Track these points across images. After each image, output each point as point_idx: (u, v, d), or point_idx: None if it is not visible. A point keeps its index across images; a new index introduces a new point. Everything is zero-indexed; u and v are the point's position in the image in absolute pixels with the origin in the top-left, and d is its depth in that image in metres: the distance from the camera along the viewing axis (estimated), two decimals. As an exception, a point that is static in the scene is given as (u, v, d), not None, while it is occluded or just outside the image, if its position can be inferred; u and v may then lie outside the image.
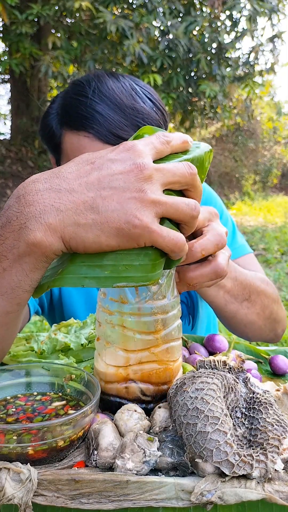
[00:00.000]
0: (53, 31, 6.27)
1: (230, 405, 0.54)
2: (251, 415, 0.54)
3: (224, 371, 0.57)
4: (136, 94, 0.99)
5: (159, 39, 5.81)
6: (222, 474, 0.49)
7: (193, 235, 0.65)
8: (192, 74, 6.30)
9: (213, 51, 6.14)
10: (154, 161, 0.54)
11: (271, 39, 6.56)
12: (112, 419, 0.57)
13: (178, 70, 5.90)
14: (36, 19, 5.67)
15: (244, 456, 0.48)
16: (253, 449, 0.51)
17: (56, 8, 5.52)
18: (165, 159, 0.57)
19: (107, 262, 0.52)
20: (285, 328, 1.08)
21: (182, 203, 0.53)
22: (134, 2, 5.79)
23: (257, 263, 1.20)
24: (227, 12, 5.91)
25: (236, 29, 6.13)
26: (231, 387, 0.55)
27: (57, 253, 0.51)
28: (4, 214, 0.53)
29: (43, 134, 1.06)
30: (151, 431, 0.56)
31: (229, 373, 0.58)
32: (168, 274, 0.60)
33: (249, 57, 6.58)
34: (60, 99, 1.04)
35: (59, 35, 5.79)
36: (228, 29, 6.13)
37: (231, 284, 0.88)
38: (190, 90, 6.39)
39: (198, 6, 6.29)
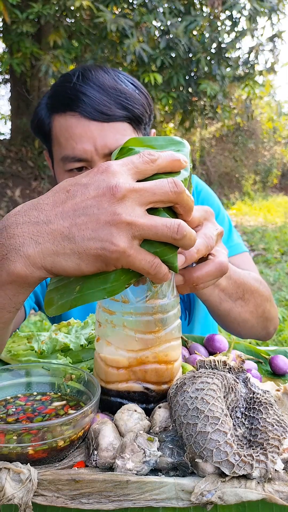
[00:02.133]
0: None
1: (230, 405, 0.54)
2: (251, 415, 0.54)
3: (224, 371, 0.57)
4: (119, 79, 1.05)
5: (159, 38, 5.81)
6: (222, 474, 0.49)
7: None
8: (192, 74, 6.30)
9: (213, 50, 6.13)
10: (139, 181, 0.53)
11: (271, 39, 6.56)
12: (112, 419, 0.57)
13: (178, 69, 5.89)
14: (36, 19, 5.67)
15: (244, 456, 0.48)
16: (253, 449, 0.51)
17: (57, 7, 5.51)
18: (155, 177, 0.53)
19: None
20: (277, 326, 1.09)
21: (162, 225, 0.51)
22: (134, 1, 5.79)
23: (251, 262, 1.20)
24: (227, 12, 5.90)
25: (236, 29, 6.12)
26: (231, 387, 0.55)
27: (40, 279, 0.54)
28: None
29: (34, 126, 1.11)
30: (151, 431, 0.56)
31: (229, 373, 0.58)
32: None
33: (249, 56, 6.57)
34: (49, 91, 1.10)
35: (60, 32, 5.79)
36: (228, 29, 6.12)
37: (225, 283, 0.88)
38: (190, 89, 6.38)
39: (198, 5, 6.29)
